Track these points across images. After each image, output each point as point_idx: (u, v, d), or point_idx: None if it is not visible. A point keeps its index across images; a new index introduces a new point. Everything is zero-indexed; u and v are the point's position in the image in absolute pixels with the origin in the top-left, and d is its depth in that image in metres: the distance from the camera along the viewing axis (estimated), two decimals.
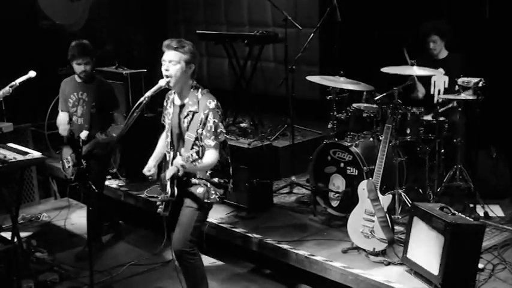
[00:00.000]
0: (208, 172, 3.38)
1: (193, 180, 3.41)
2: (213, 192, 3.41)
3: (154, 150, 3.64)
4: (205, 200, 3.40)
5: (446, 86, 4.52)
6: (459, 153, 4.54)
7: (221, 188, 3.43)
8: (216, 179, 3.40)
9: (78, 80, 4.70)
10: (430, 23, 4.82)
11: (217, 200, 3.45)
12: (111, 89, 4.79)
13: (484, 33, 5.22)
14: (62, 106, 4.78)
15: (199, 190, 3.39)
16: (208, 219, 3.83)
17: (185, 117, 3.36)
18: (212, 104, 3.30)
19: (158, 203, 3.42)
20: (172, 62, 3.28)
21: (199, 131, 3.29)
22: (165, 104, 3.53)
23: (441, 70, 4.55)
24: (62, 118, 4.74)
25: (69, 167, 4.69)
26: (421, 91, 4.88)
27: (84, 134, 4.52)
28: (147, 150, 3.71)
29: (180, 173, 3.24)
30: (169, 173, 3.36)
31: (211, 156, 3.29)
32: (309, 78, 4.81)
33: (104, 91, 4.69)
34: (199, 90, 3.37)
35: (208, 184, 3.40)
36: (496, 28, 5.20)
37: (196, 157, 3.12)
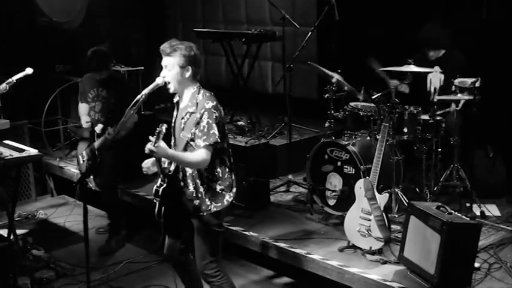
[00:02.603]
0: (204, 175, 3.29)
1: (190, 189, 3.31)
2: (209, 203, 3.31)
3: None
4: (202, 213, 3.31)
5: (442, 84, 4.52)
6: (456, 153, 4.55)
7: (217, 197, 3.32)
8: (212, 187, 3.30)
9: (97, 76, 4.83)
10: (425, 36, 4.73)
11: (213, 211, 3.32)
12: (132, 88, 4.89)
13: (481, 33, 5.23)
14: (81, 98, 4.96)
15: (191, 205, 3.32)
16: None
17: (182, 118, 3.32)
18: (210, 104, 3.23)
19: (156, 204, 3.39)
20: (168, 68, 3.27)
21: (193, 130, 3.22)
22: (174, 112, 3.48)
23: (437, 68, 4.56)
24: (83, 108, 4.92)
25: (83, 161, 4.79)
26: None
27: (99, 128, 4.67)
28: (144, 148, 3.70)
29: (150, 153, 3.12)
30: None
31: (198, 155, 3.19)
32: (310, 62, 4.82)
33: (126, 91, 4.72)
34: (201, 92, 3.32)
35: (200, 194, 3.30)
36: (493, 28, 5.21)
37: (156, 139, 2.99)
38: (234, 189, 3.41)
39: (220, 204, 3.34)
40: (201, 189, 3.32)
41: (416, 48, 4.81)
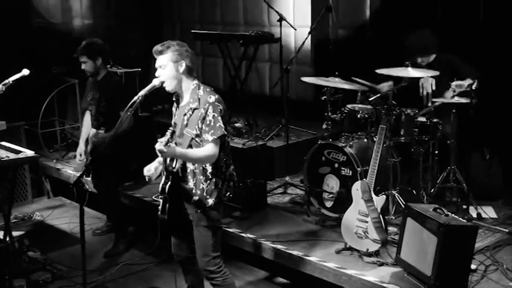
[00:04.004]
0: (209, 171, 3.29)
1: (190, 185, 3.34)
2: (208, 198, 3.32)
3: None
4: (202, 209, 3.32)
5: (434, 88, 4.54)
6: (453, 155, 4.56)
7: (217, 192, 3.33)
8: (214, 181, 3.31)
9: (94, 79, 4.80)
10: (413, 45, 4.72)
11: (212, 204, 3.33)
12: (117, 87, 4.81)
13: (478, 36, 5.25)
14: (83, 104, 5.03)
15: (194, 198, 3.33)
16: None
17: (185, 115, 3.31)
18: (212, 98, 3.25)
19: (158, 203, 3.36)
20: (162, 66, 3.28)
21: (199, 125, 3.23)
22: (173, 109, 3.48)
23: (429, 73, 4.57)
24: (86, 119, 4.97)
25: (80, 161, 4.85)
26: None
27: (92, 132, 4.71)
28: (142, 149, 3.70)
29: (160, 155, 3.19)
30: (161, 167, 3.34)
31: (206, 149, 3.21)
32: (304, 79, 4.83)
33: (111, 89, 4.71)
34: (202, 88, 3.32)
35: (199, 191, 3.31)
36: (489, 31, 5.23)
37: (170, 139, 3.07)
38: (231, 183, 3.43)
39: (218, 198, 3.35)
40: (204, 185, 3.31)
41: (406, 55, 4.81)
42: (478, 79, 4.31)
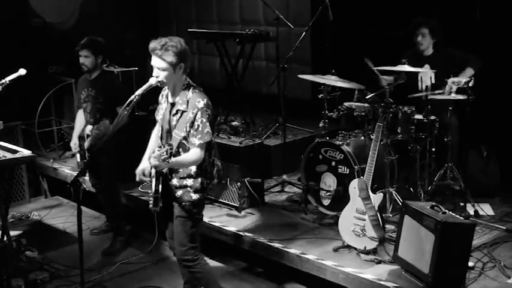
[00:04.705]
0: (193, 171, 3.36)
1: (174, 183, 3.39)
2: (192, 194, 3.39)
3: (147, 149, 3.61)
4: (184, 203, 3.39)
5: (433, 81, 4.55)
6: (450, 152, 4.57)
7: (201, 190, 3.41)
8: (199, 180, 3.38)
9: (88, 76, 4.77)
10: (423, 17, 4.85)
11: (196, 200, 3.40)
12: (116, 85, 4.80)
13: (475, 34, 5.26)
14: (77, 103, 4.96)
15: (178, 193, 3.40)
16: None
17: (174, 115, 3.36)
18: (201, 103, 3.29)
19: (150, 199, 3.41)
20: (160, 68, 3.28)
21: (187, 129, 3.29)
22: (160, 98, 3.52)
23: (427, 66, 4.58)
24: (78, 116, 4.91)
25: (80, 159, 4.81)
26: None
27: (88, 128, 4.65)
28: (138, 149, 3.69)
29: (155, 169, 3.28)
30: (152, 170, 3.39)
31: (193, 154, 3.29)
32: (301, 76, 4.82)
33: (110, 87, 4.69)
34: (191, 89, 3.35)
35: (183, 186, 3.38)
36: (486, 29, 5.24)
37: (166, 156, 3.12)
38: (215, 181, 3.49)
39: (201, 194, 3.42)
40: (187, 182, 3.39)
41: (409, 44, 4.83)
42: (481, 67, 4.32)
